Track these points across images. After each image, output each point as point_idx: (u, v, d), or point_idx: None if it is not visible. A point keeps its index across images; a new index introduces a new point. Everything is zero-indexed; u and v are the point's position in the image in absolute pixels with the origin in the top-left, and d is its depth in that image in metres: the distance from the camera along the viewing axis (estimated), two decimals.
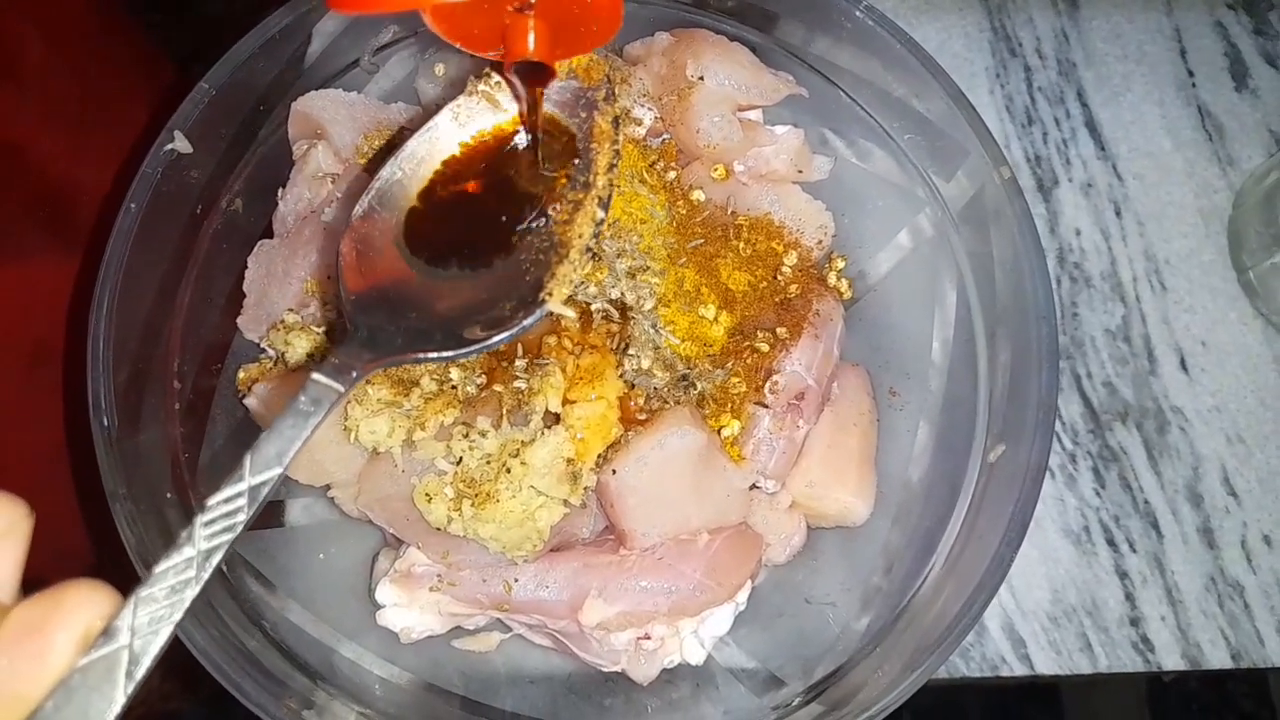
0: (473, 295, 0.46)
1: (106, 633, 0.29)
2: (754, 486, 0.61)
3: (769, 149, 0.66)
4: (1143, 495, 0.74)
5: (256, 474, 0.35)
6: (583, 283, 0.60)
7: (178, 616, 0.31)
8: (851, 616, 0.61)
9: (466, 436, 0.56)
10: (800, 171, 0.67)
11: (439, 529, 0.56)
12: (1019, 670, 0.71)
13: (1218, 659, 0.71)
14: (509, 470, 0.55)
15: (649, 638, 0.58)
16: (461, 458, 0.56)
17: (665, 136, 0.66)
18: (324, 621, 0.58)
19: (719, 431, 0.60)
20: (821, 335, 0.63)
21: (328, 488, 0.60)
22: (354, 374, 0.40)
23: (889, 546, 0.62)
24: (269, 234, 0.65)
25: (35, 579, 0.30)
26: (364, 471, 0.58)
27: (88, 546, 0.67)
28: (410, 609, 0.58)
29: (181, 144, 0.57)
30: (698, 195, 0.65)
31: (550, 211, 0.46)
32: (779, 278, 0.65)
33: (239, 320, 0.63)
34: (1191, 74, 0.85)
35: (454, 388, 0.58)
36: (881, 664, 0.55)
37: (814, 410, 0.62)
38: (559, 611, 0.57)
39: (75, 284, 0.67)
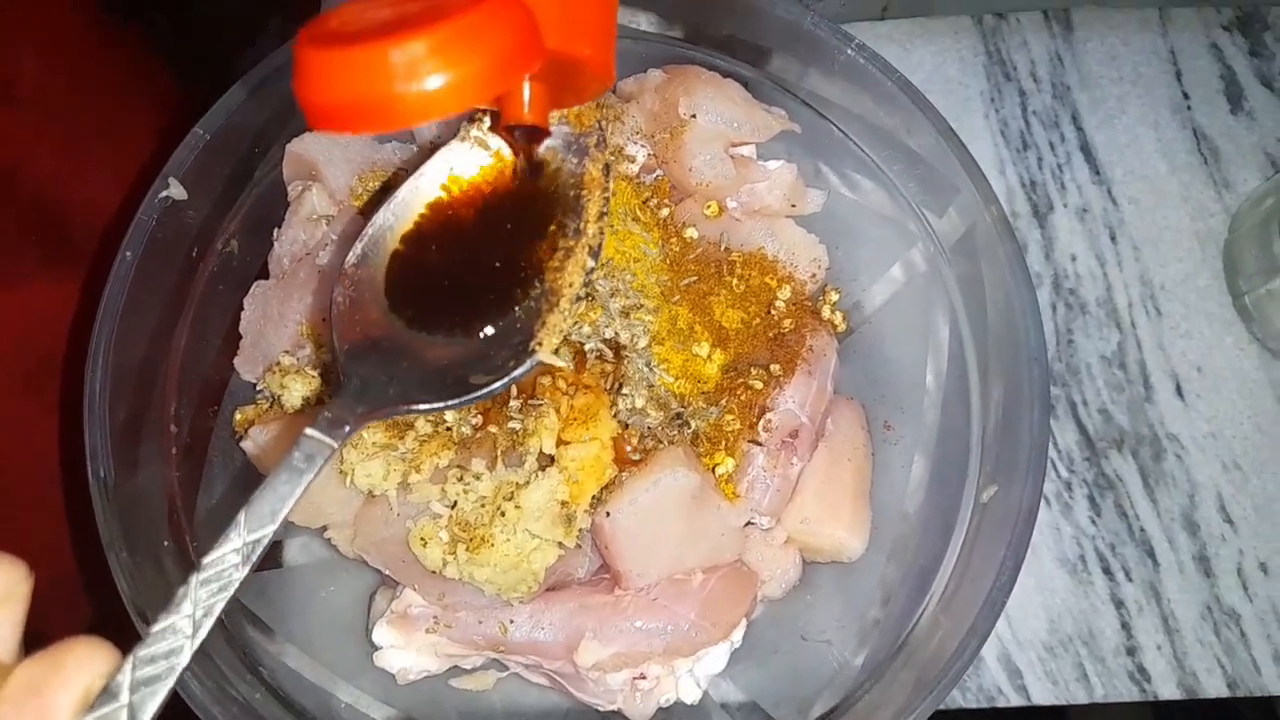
0: (465, 344, 0.46)
1: (106, 691, 0.30)
2: (749, 523, 0.61)
3: (762, 185, 0.66)
4: (1138, 523, 0.74)
5: (251, 531, 0.36)
6: (576, 323, 0.60)
7: (176, 674, 0.31)
8: (848, 652, 0.61)
9: (461, 479, 0.56)
10: (794, 206, 0.67)
11: (434, 572, 0.56)
12: (1015, 701, 0.71)
13: (1214, 688, 0.71)
14: (503, 514, 0.55)
15: (644, 677, 0.58)
16: (456, 501, 0.56)
17: (658, 173, 0.66)
18: (321, 664, 0.58)
19: (713, 469, 0.60)
20: (815, 371, 0.63)
21: (324, 528, 0.61)
22: (347, 428, 0.40)
23: (885, 580, 0.62)
24: (265, 275, 0.65)
25: (34, 593, 0.31)
26: (359, 515, 0.58)
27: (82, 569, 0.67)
28: (407, 650, 0.59)
29: (177, 190, 0.58)
30: (691, 232, 0.65)
31: (541, 259, 0.47)
32: (773, 313, 0.65)
33: (235, 361, 0.63)
34: (1187, 96, 0.85)
35: (449, 429, 0.58)
36: (878, 705, 0.55)
37: (808, 447, 0.62)
38: (555, 652, 0.58)
39: (74, 309, 0.66)
